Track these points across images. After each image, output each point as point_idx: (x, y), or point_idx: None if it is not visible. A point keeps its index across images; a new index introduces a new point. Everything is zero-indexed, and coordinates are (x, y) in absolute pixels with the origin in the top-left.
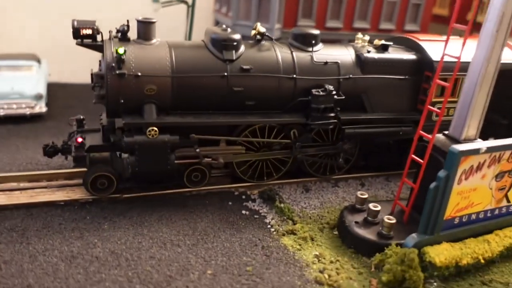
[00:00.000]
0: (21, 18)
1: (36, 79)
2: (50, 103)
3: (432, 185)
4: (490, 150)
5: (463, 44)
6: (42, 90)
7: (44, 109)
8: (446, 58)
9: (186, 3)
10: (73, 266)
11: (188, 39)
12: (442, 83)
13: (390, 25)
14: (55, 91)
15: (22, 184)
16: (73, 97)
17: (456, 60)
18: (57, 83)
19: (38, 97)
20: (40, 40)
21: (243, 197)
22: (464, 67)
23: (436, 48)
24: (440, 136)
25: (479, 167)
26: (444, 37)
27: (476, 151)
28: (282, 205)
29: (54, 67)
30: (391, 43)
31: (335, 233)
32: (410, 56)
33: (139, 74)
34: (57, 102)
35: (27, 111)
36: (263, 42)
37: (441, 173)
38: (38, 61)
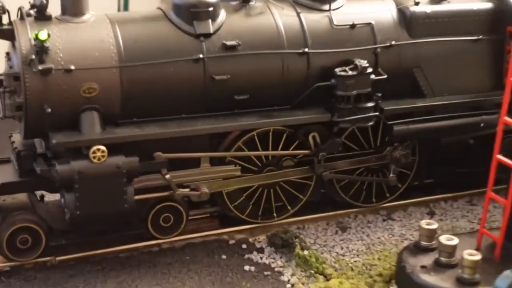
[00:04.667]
0: None
1: None
2: None
3: None
4: None
5: None
6: None
7: None
8: None
9: None
10: None
11: (124, 7)
12: None
13: None
14: None
15: None
16: None
17: None
18: None
19: None
20: None
21: (243, 246)
22: None
23: None
24: None
25: None
26: None
27: None
28: (305, 252)
29: None
30: None
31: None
32: (482, 4)
33: (72, 67)
34: None
35: None
36: (252, 2)
37: None
38: None
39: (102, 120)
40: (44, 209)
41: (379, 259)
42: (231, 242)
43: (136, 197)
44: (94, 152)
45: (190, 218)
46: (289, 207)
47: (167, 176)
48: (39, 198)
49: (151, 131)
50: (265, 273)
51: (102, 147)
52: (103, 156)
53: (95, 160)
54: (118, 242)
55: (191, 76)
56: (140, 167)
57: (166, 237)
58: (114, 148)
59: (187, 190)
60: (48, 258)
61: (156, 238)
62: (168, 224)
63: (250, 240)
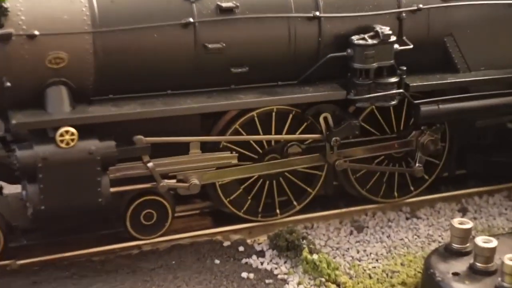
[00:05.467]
0: None
1: None
2: None
3: None
4: None
5: None
6: None
7: None
8: None
9: None
10: None
11: None
12: None
13: None
14: None
15: None
16: None
17: None
18: None
19: None
20: None
21: (241, 249)
22: None
23: None
24: None
25: None
26: None
27: None
28: (315, 256)
29: None
30: None
31: None
32: None
33: (36, 33)
34: None
35: None
36: None
37: None
38: None
39: (71, 97)
40: (3, 203)
41: (402, 264)
42: (226, 244)
43: (113, 189)
44: (62, 135)
45: (177, 215)
46: (295, 203)
47: (150, 165)
48: None
49: (131, 110)
50: (267, 281)
51: (72, 129)
52: (72, 140)
53: (63, 145)
54: (91, 243)
55: (179, 44)
56: (117, 153)
57: (148, 238)
58: (86, 130)
59: (173, 181)
60: (7, 262)
61: (137, 239)
62: (150, 222)
63: (249, 241)
